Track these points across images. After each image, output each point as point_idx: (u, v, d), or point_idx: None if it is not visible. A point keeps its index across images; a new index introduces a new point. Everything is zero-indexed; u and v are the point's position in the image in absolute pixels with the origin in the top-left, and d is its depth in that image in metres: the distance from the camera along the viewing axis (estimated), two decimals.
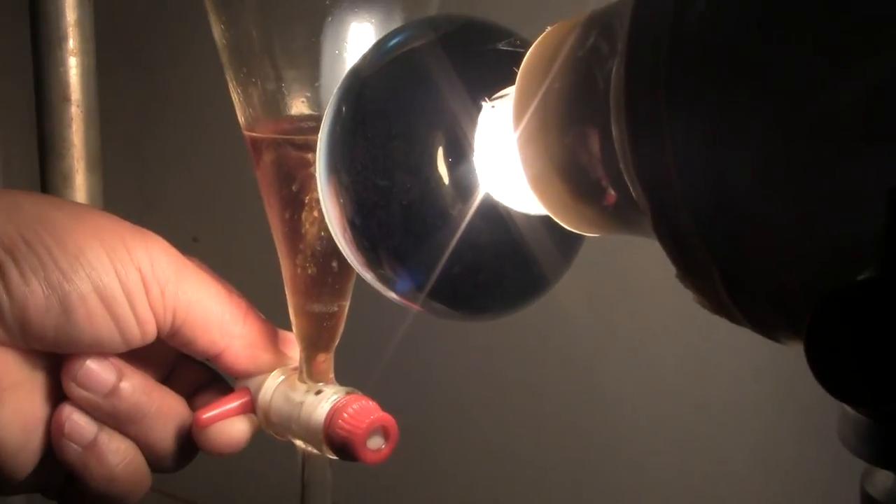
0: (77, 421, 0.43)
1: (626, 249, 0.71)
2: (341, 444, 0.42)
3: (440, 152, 0.37)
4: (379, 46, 0.39)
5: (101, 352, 0.43)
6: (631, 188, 0.29)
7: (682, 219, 0.28)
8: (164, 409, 0.44)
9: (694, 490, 0.74)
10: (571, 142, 0.31)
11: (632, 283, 0.72)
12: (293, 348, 0.45)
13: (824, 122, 0.26)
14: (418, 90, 0.37)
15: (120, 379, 0.43)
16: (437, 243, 0.37)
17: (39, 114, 0.51)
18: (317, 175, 0.39)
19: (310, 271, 0.43)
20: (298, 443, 0.44)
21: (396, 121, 0.37)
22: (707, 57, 0.27)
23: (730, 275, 0.28)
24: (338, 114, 0.38)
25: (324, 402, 0.43)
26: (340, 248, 0.39)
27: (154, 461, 0.44)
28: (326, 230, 0.40)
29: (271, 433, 0.45)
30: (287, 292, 0.44)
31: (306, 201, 0.42)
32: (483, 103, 0.36)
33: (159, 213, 1.03)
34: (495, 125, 0.36)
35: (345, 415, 0.42)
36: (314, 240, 0.42)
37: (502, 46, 0.37)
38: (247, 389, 0.45)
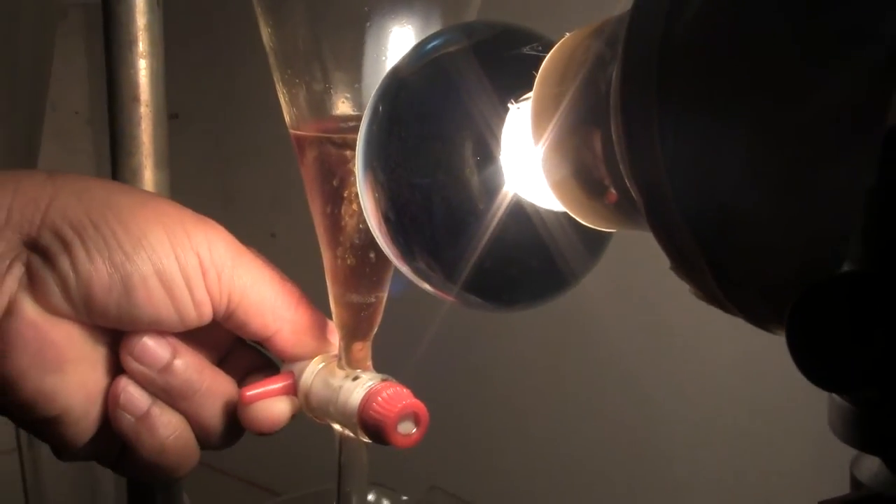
0: (132, 393, 0.46)
1: None
2: (374, 428, 0.44)
3: (469, 152, 0.39)
4: (416, 50, 0.42)
5: (159, 330, 0.45)
6: (629, 186, 0.31)
7: (673, 215, 0.29)
8: (214, 389, 0.47)
9: (748, 489, 0.75)
10: (579, 143, 0.33)
11: (682, 285, 0.73)
12: (337, 337, 0.47)
13: (806, 125, 0.27)
14: (450, 93, 0.39)
15: (174, 356, 0.46)
16: (467, 238, 0.39)
17: (111, 113, 0.55)
18: (355, 171, 0.41)
19: (349, 262, 0.45)
20: (336, 426, 0.47)
21: (428, 122, 0.39)
22: (695, 63, 0.28)
23: (718, 267, 0.29)
24: (375, 113, 0.41)
25: (359, 387, 0.45)
26: (377, 240, 0.42)
27: (203, 437, 0.47)
28: (365, 223, 0.43)
29: (311, 416, 0.47)
30: (328, 282, 0.46)
31: (346, 196, 0.44)
32: (510, 105, 0.38)
33: (239, 210, 1.06)
34: (521, 126, 0.38)
35: (378, 400, 0.44)
36: (353, 232, 0.44)
37: (529, 51, 0.39)
38: (291, 373, 0.48)
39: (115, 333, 0.46)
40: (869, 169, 0.27)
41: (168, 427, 0.46)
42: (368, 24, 0.43)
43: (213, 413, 0.47)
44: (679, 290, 0.32)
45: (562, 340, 0.81)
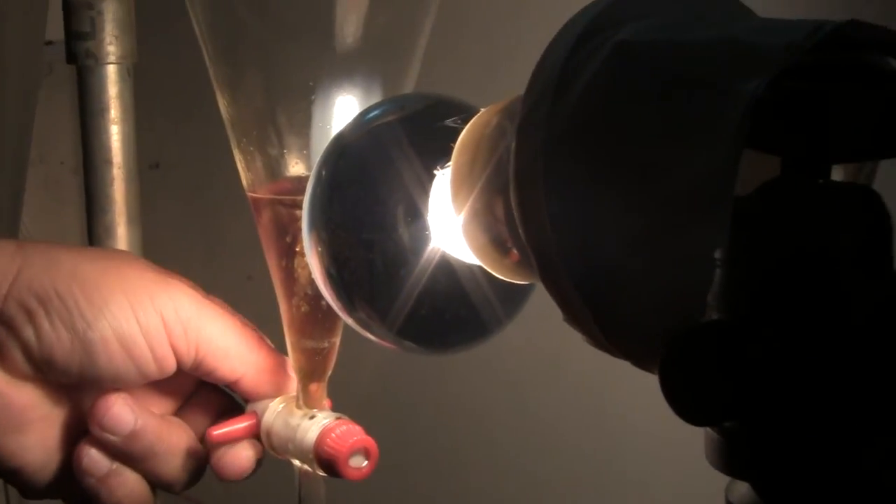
0: (94, 457, 0.50)
1: None
2: (328, 463, 0.48)
3: (401, 213, 0.43)
4: (356, 120, 0.46)
5: (120, 386, 0.50)
6: (526, 249, 0.35)
7: (561, 275, 0.34)
8: (172, 447, 0.51)
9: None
10: (487, 209, 0.37)
11: None
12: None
13: (667, 198, 0.32)
14: (384, 160, 0.44)
15: (136, 423, 0.50)
16: (401, 291, 0.44)
17: (86, 173, 0.59)
18: (302, 230, 0.46)
19: (304, 310, 0.49)
20: (295, 462, 0.51)
21: (365, 186, 0.44)
22: (573, 145, 0.33)
23: (602, 319, 0.34)
24: (318, 177, 0.45)
25: (315, 426, 0.49)
26: (323, 294, 0.46)
27: (162, 486, 0.51)
28: None
29: (273, 453, 0.52)
30: (285, 330, 0.50)
31: (298, 250, 0.48)
32: (436, 172, 0.43)
33: (218, 253, 1.11)
34: (445, 190, 0.42)
35: (332, 437, 0.48)
36: (306, 283, 0.49)
37: (451, 123, 0.43)
38: (254, 413, 0.52)
39: (76, 390, 0.50)
40: (721, 235, 0.32)
41: (126, 486, 0.50)
42: (313, 96, 0.47)
43: (171, 469, 0.51)
44: None
45: (525, 369, 0.85)
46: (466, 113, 0.44)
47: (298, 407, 0.51)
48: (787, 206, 0.33)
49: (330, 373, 0.51)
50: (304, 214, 0.45)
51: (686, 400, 0.32)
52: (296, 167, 0.49)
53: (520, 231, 0.35)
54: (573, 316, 0.35)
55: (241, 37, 0.49)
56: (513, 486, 0.88)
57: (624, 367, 0.36)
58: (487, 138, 0.38)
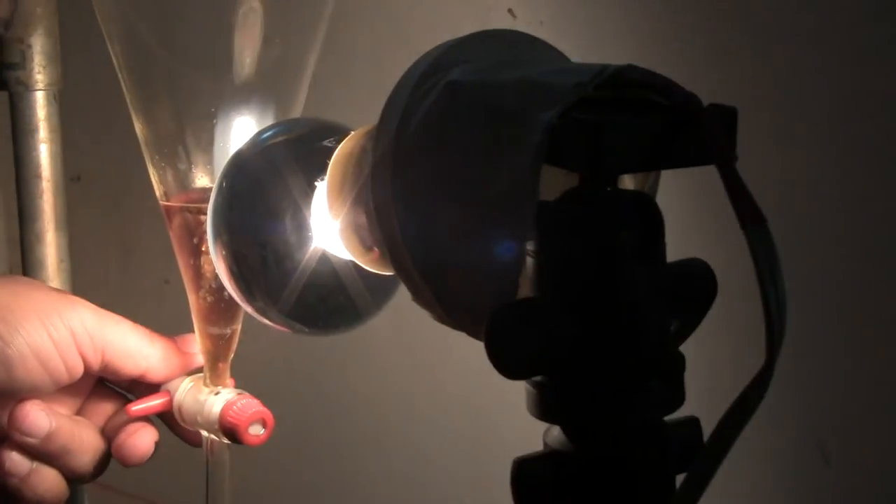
0: (15, 459, 0.58)
1: None
2: (231, 431, 0.57)
3: (288, 218, 0.52)
4: (252, 139, 0.55)
5: (35, 395, 0.58)
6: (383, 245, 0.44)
7: (408, 265, 0.43)
8: (83, 444, 0.60)
9: None
10: (352, 213, 0.47)
11: None
12: (194, 345, 0.60)
13: (485, 201, 0.41)
14: (275, 174, 0.52)
15: (52, 426, 0.58)
16: (290, 283, 0.52)
17: (18, 187, 0.67)
18: (207, 233, 0.54)
19: (209, 300, 0.58)
20: (203, 432, 0.59)
21: (259, 196, 0.53)
22: (412, 162, 0.42)
23: (440, 296, 0.43)
24: (220, 188, 0.54)
25: (219, 400, 0.58)
26: (226, 287, 0.54)
27: (75, 479, 0.60)
28: None
29: (184, 424, 0.60)
30: (193, 318, 0.59)
31: (203, 250, 0.57)
32: (316, 183, 0.51)
33: (136, 260, 1.18)
34: (323, 198, 0.51)
35: (233, 409, 0.57)
36: (211, 278, 0.58)
37: (329, 144, 0.52)
38: (167, 391, 0.60)
39: None
40: (525, 227, 0.41)
41: (46, 482, 0.59)
42: (215, 120, 0.56)
43: (82, 463, 0.60)
44: None
45: (412, 363, 0.94)
46: (341, 135, 0.53)
47: (206, 385, 0.59)
48: (582, 209, 0.42)
49: (232, 355, 0.60)
50: (209, 220, 0.54)
51: (506, 360, 0.41)
52: (201, 179, 0.57)
53: (377, 230, 0.44)
54: (418, 295, 0.44)
55: (153, 68, 0.58)
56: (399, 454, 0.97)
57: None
58: (354, 157, 0.47)
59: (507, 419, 0.90)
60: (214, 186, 0.54)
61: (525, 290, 0.43)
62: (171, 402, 0.60)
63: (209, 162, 0.57)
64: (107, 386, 0.62)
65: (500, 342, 0.41)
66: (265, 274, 0.53)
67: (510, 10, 0.78)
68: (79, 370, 0.58)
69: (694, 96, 0.40)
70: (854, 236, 0.71)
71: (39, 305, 0.57)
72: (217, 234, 0.53)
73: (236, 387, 0.60)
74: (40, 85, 0.65)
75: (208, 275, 0.58)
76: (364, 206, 0.46)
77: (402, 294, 0.49)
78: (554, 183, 0.43)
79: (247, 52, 0.56)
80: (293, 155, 0.52)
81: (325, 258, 0.52)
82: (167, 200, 0.58)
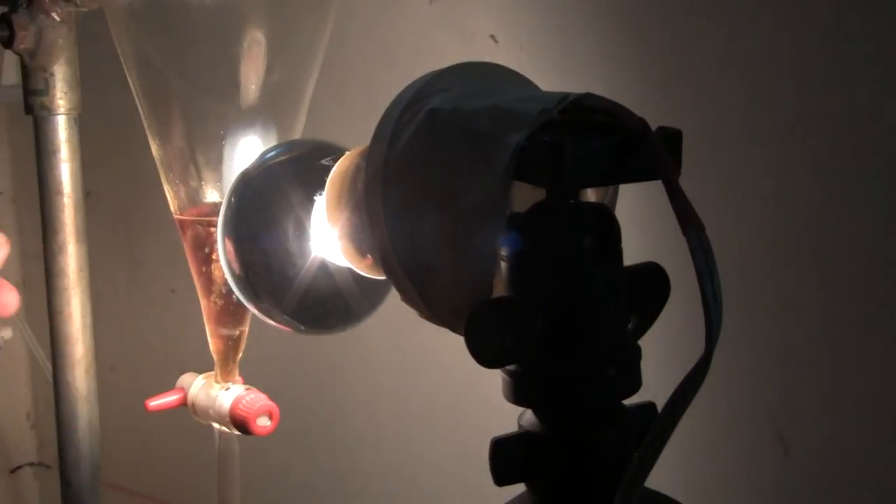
0: None
1: None
2: (240, 423, 0.63)
3: (291, 229, 0.58)
4: (258, 159, 0.61)
5: None
6: (376, 253, 0.50)
7: (397, 269, 0.49)
8: None
9: None
10: (347, 224, 0.53)
11: None
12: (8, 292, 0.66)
13: (463, 213, 0.47)
14: (278, 189, 0.59)
15: None
16: (292, 287, 0.59)
17: (42, 202, 0.73)
18: (217, 242, 0.60)
19: (219, 304, 0.64)
20: (215, 425, 0.65)
21: (264, 210, 0.59)
22: (400, 179, 0.48)
23: (425, 297, 0.49)
24: (228, 203, 0.60)
25: (229, 395, 0.64)
26: (234, 291, 0.60)
27: None
28: None
29: (196, 418, 0.66)
30: (205, 321, 0.65)
31: (214, 258, 0.63)
32: (315, 198, 0.58)
33: (144, 271, 1.24)
34: (322, 212, 0.57)
35: (242, 403, 0.63)
36: (221, 284, 0.64)
37: (327, 162, 0.58)
38: (182, 388, 0.67)
39: None
40: (497, 237, 0.47)
41: None
42: (224, 141, 0.62)
43: None
44: None
45: (404, 364, 1.00)
46: (337, 154, 0.59)
47: (217, 381, 0.66)
48: (547, 219, 0.48)
49: (241, 354, 0.66)
50: (219, 231, 0.60)
51: (483, 351, 0.47)
52: (211, 195, 0.64)
53: (370, 239, 0.50)
54: (406, 295, 0.50)
55: (168, 95, 0.64)
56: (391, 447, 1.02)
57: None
58: (350, 174, 0.53)
59: (490, 416, 0.96)
60: (223, 201, 0.60)
61: (499, 289, 0.49)
62: (185, 397, 0.66)
63: (218, 179, 0.63)
64: None
65: (477, 336, 0.47)
66: (270, 279, 0.59)
67: (492, 36, 0.84)
68: None
69: (642, 121, 0.46)
70: (806, 236, 0.76)
71: None
72: (226, 244, 0.59)
73: (244, 383, 0.66)
74: (62, 110, 0.71)
75: (218, 281, 0.64)
76: (358, 217, 0.52)
77: (394, 299, 0.54)
78: (524, 197, 0.49)
79: (252, 79, 0.62)
80: (294, 172, 0.59)
81: (323, 264, 0.58)
82: (181, 214, 0.64)
